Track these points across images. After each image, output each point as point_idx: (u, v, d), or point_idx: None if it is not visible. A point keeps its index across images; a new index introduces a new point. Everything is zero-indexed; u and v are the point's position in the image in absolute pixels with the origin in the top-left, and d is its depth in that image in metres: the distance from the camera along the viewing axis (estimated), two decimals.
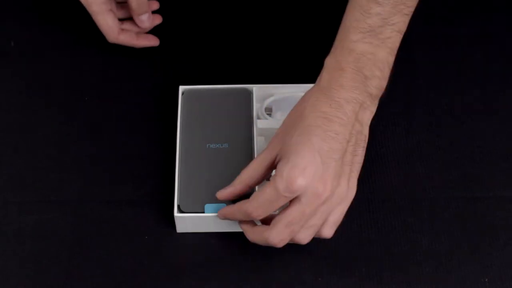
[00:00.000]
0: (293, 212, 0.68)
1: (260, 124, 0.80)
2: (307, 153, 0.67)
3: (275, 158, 0.70)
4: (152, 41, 0.89)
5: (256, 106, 0.82)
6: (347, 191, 0.70)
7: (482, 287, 0.74)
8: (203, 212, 0.75)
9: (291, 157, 0.67)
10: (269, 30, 0.92)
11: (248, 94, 0.82)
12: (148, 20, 0.88)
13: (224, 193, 0.73)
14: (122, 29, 0.87)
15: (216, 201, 0.74)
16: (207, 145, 0.78)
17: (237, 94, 0.82)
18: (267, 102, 0.82)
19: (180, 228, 0.77)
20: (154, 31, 0.92)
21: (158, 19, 0.90)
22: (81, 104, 0.85)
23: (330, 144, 0.68)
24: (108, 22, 0.86)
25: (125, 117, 0.84)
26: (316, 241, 0.76)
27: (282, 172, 0.67)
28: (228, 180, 0.73)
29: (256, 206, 0.69)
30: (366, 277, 0.74)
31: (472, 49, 0.91)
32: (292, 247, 0.76)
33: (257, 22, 0.93)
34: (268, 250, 0.76)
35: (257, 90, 0.83)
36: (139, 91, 0.87)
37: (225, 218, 0.74)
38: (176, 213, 0.75)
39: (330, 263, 0.75)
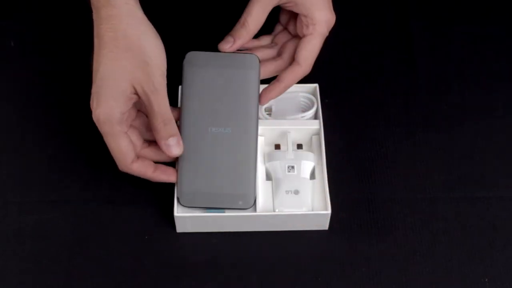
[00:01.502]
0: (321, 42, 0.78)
1: (260, 124, 0.80)
2: None
3: (276, 2, 0.76)
4: (171, 177, 0.75)
5: None
6: None
7: (482, 287, 0.74)
8: (204, 208, 0.75)
9: (318, 2, 0.76)
10: (269, 30, 0.92)
11: (256, 61, 0.76)
12: (177, 145, 0.74)
13: (235, 46, 0.76)
14: (138, 157, 0.75)
15: (217, 204, 0.75)
16: (209, 128, 0.76)
17: (243, 62, 0.76)
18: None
19: (180, 228, 0.77)
20: None
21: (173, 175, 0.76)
22: (82, 104, 0.85)
23: None
24: (122, 148, 0.73)
25: None
26: (316, 240, 0.76)
27: (322, 18, 0.76)
28: (230, 168, 0.74)
29: (309, 65, 0.78)
30: (366, 277, 0.74)
31: (472, 49, 0.91)
32: (291, 246, 0.76)
33: None
34: (268, 250, 0.76)
35: None
36: None
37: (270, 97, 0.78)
38: (176, 213, 0.75)
39: (330, 263, 0.75)
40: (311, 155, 0.79)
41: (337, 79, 0.88)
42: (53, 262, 0.75)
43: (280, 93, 0.78)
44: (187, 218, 0.75)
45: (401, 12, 0.94)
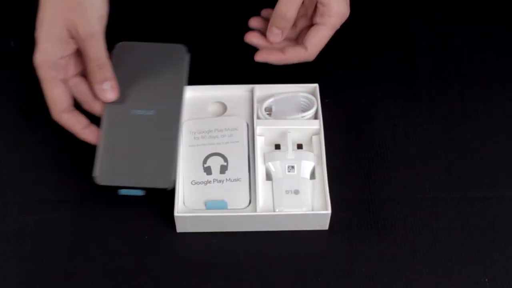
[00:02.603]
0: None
1: (260, 124, 0.81)
2: None
3: None
4: (94, 138, 0.75)
5: (256, 106, 0.82)
6: None
7: (482, 287, 0.74)
8: (121, 188, 0.74)
9: None
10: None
11: (184, 52, 0.79)
12: (112, 90, 0.74)
13: (282, 37, 0.80)
14: (72, 110, 0.74)
15: (135, 183, 0.74)
16: (132, 110, 0.75)
17: (171, 52, 0.79)
18: (267, 102, 0.82)
19: (180, 228, 0.77)
20: (155, 31, 0.92)
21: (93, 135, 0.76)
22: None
23: None
24: (54, 94, 0.73)
25: None
26: (316, 240, 0.76)
27: (337, 10, 0.77)
28: (150, 147, 0.74)
29: (315, 52, 0.79)
30: (366, 277, 0.74)
31: (472, 49, 0.91)
32: (291, 246, 0.76)
33: None
34: (268, 250, 0.76)
35: (257, 90, 0.83)
36: None
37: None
38: (176, 213, 0.75)
39: (330, 263, 0.75)
40: (311, 155, 0.79)
41: (337, 79, 0.88)
42: (53, 262, 0.75)
43: (277, 62, 0.80)
44: (187, 218, 0.75)
45: (401, 12, 0.94)
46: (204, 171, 0.79)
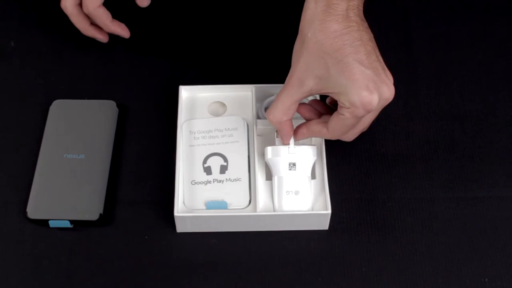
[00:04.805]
0: (369, 119, 0.75)
1: (260, 124, 0.81)
2: (358, 75, 0.69)
3: (307, 94, 0.72)
4: (125, 31, 0.86)
5: (256, 106, 0.82)
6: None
7: (482, 287, 0.74)
8: (48, 220, 0.76)
9: (349, 87, 0.69)
10: (269, 30, 0.92)
11: (113, 106, 0.84)
12: (148, 1, 0.86)
13: (286, 141, 0.77)
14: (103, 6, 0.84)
15: (65, 216, 0.76)
16: (64, 155, 0.80)
17: (102, 107, 0.83)
18: (267, 102, 0.82)
19: (180, 228, 0.77)
20: (155, 31, 0.92)
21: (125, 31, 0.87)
22: None
23: (365, 50, 0.70)
24: None
25: (125, 117, 0.84)
26: (316, 240, 0.76)
27: (355, 103, 0.69)
28: (80, 185, 0.78)
29: (336, 135, 0.75)
30: (366, 277, 0.74)
31: (472, 49, 0.91)
32: (291, 246, 0.76)
33: (257, 22, 0.93)
34: (268, 250, 0.76)
35: (257, 90, 0.83)
36: (139, 91, 0.87)
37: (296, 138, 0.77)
38: (176, 213, 0.75)
39: (330, 263, 0.75)
40: (311, 149, 0.77)
41: None
42: (53, 262, 0.75)
43: (303, 138, 0.78)
44: (187, 218, 0.75)
45: (401, 11, 0.94)
46: (204, 171, 0.79)
